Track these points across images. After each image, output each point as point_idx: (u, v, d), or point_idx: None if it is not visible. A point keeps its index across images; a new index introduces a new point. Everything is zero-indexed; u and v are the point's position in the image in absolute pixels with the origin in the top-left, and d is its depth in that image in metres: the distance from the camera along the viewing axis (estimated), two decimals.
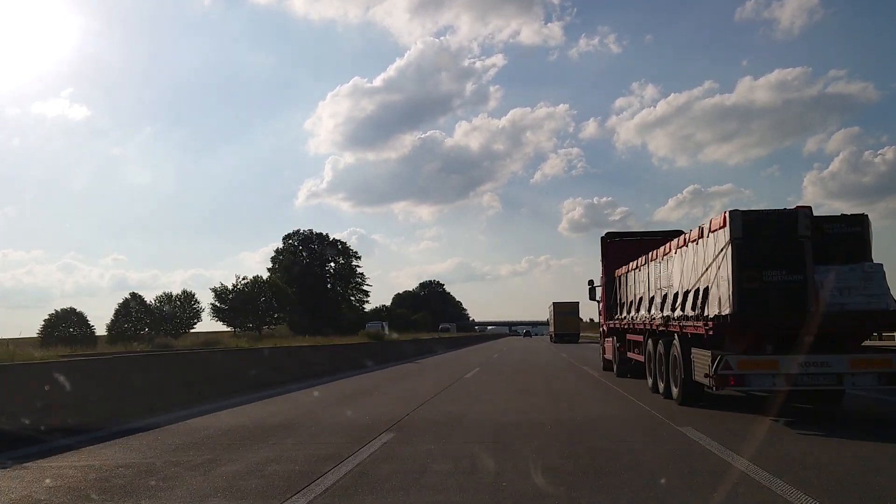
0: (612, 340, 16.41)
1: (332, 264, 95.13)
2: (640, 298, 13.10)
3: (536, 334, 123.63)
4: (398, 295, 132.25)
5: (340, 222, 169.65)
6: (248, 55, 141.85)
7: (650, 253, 12.35)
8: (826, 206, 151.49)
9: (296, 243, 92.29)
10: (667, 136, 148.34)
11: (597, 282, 18.94)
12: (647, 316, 12.14)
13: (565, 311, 57.66)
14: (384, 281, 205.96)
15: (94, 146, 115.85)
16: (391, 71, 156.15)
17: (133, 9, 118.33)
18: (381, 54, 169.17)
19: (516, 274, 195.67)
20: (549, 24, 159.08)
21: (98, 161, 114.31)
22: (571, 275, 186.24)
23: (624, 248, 16.16)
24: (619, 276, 15.39)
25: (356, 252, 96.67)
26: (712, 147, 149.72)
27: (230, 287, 76.10)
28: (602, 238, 17.79)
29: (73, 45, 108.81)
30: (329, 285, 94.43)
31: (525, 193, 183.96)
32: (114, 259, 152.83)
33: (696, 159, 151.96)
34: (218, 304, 76.08)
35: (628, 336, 14.38)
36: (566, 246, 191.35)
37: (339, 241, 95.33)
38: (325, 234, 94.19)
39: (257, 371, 15.12)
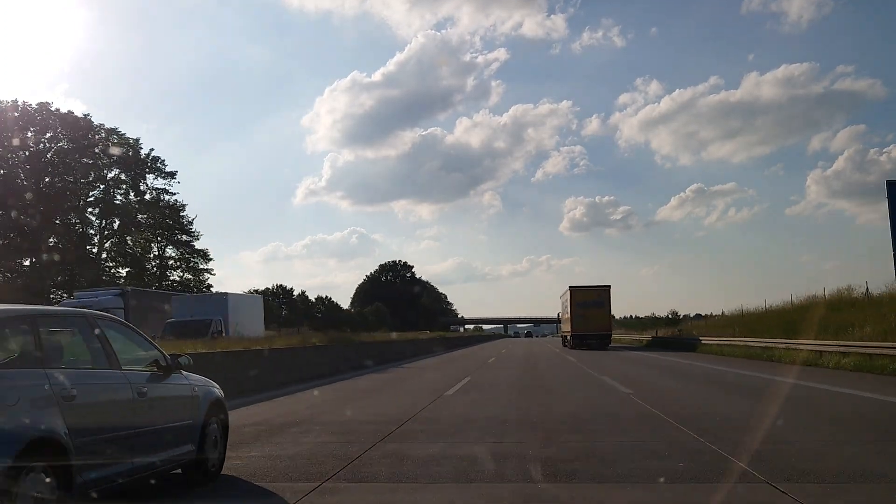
0: None
1: (103, 186, 44.68)
2: None
3: (539, 335, 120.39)
4: (361, 285, 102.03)
5: (340, 221, 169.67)
6: (243, 49, 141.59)
7: None
8: (829, 205, 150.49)
9: None
10: (670, 134, 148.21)
11: None
12: None
13: (589, 301, 37.62)
14: None
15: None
16: (390, 65, 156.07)
17: (125, 2, 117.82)
18: (380, 48, 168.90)
19: (517, 274, 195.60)
20: (552, 17, 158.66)
21: None
22: (573, 275, 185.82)
23: None
24: None
25: (164, 163, 46.80)
26: (716, 145, 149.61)
27: None
28: None
29: (68, 40, 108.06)
30: (95, 234, 45.25)
31: (526, 192, 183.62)
32: None
33: (700, 157, 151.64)
34: None
35: None
36: (568, 246, 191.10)
37: (123, 135, 45.21)
38: (83, 114, 44.46)
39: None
